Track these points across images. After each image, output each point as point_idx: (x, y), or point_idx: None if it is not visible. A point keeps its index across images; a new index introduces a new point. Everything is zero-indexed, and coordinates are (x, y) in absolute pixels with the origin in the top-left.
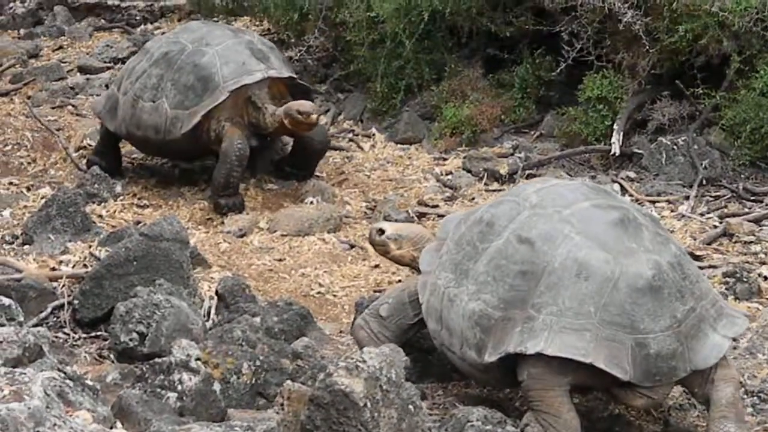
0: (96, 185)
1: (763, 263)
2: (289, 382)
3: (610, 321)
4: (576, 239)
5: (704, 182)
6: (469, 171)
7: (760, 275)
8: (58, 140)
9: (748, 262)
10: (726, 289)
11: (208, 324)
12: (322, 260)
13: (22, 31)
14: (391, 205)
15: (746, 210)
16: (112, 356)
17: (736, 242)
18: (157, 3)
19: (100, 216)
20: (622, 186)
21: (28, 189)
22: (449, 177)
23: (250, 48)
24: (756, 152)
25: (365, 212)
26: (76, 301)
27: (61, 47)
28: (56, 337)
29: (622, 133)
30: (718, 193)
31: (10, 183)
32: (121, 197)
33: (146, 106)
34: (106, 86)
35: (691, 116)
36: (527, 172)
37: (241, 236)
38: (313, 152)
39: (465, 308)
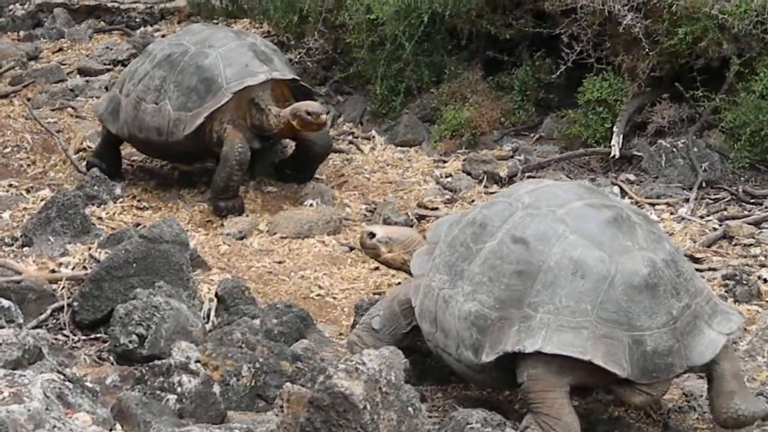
0: (96, 187)
1: (763, 266)
2: (288, 384)
3: (607, 318)
4: (571, 238)
5: (704, 185)
6: (468, 173)
7: (759, 278)
8: (58, 142)
9: (747, 265)
10: (726, 291)
11: (208, 326)
12: (321, 263)
13: (21, 33)
14: (391, 208)
15: (746, 213)
16: (111, 358)
17: (735, 245)
18: (157, 5)
19: (100, 218)
20: (621, 188)
21: (28, 191)
22: (449, 179)
23: (253, 50)
24: (756, 155)
25: (365, 215)
26: (75, 303)
27: (60, 49)
28: (56, 339)
29: (621, 136)
30: (717, 196)
31: (10, 185)
32: (121, 199)
33: (149, 108)
34: (106, 88)
35: (690, 119)
36: (527, 174)
37: (241, 238)
38: (315, 155)
39: (461, 309)
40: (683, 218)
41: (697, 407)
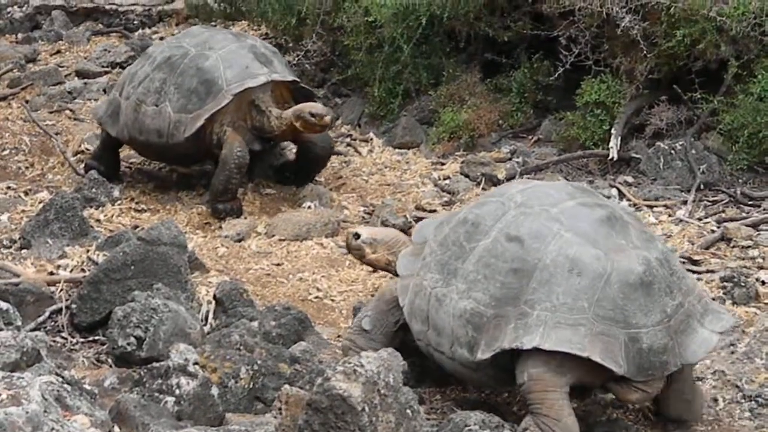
0: (94, 190)
1: (761, 268)
2: (286, 386)
3: (603, 316)
4: (566, 236)
5: (702, 187)
6: (466, 176)
7: (757, 280)
8: (56, 144)
9: (745, 267)
10: (724, 293)
11: (206, 328)
12: (320, 265)
13: (19, 36)
14: (389, 210)
15: (744, 214)
16: (109, 360)
17: (733, 247)
18: (155, 7)
19: (98, 220)
20: (619, 191)
21: (26, 193)
22: (447, 182)
23: (254, 52)
24: (753, 157)
25: (363, 217)
26: (73, 306)
27: (58, 51)
28: (54, 341)
29: (619, 138)
30: (715, 198)
31: (8, 187)
32: (119, 202)
33: (149, 111)
34: (104, 90)
35: (688, 121)
36: (525, 176)
37: (239, 241)
38: (317, 156)
39: (455, 307)
40: (681, 220)
41: None
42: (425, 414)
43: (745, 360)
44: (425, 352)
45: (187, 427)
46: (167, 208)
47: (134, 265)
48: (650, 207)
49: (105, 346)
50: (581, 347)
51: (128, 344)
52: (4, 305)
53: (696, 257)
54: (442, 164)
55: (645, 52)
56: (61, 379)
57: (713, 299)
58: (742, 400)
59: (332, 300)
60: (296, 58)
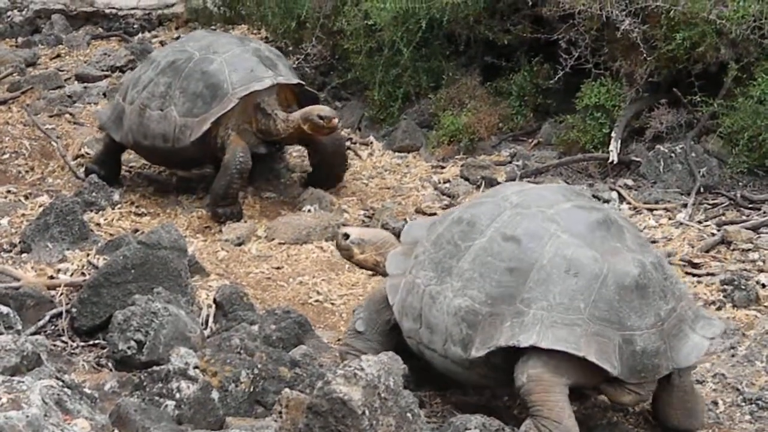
0: (94, 193)
1: (761, 271)
2: (287, 389)
3: (599, 317)
4: (563, 237)
5: (702, 190)
6: (466, 179)
7: (758, 283)
8: (56, 148)
9: (746, 270)
10: (724, 296)
11: (206, 332)
12: (320, 268)
13: (19, 40)
14: (389, 214)
15: (744, 218)
16: (110, 364)
17: (734, 250)
18: (155, 11)
19: (98, 224)
20: (620, 194)
21: (26, 197)
22: (447, 185)
23: (258, 55)
24: (754, 160)
25: (363, 220)
26: (74, 310)
27: (58, 55)
28: (54, 345)
29: (619, 141)
30: (715, 201)
31: (8, 191)
32: (119, 205)
33: (154, 115)
34: (104, 95)
35: (688, 124)
36: (525, 180)
37: (239, 244)
38: (328, 155)
39: (450, 305)
40: (681, 223)
41: None
42: (425, 417)
43: (746, 363)
44: (415, 350)
45: (188, 431)
46: (167, 212)
47: (134, 268)
48: (650, 210)
49: (105, 350)
50: (577, 347)
51: (128, 348)
52: (4, 309)
53: (696, 260)
54: (442, 167)
55: (645, 55)
56: (61, 383)
57: (713, 302)
58: (743, 404)
59: (332, 303)
60: (296, 62)
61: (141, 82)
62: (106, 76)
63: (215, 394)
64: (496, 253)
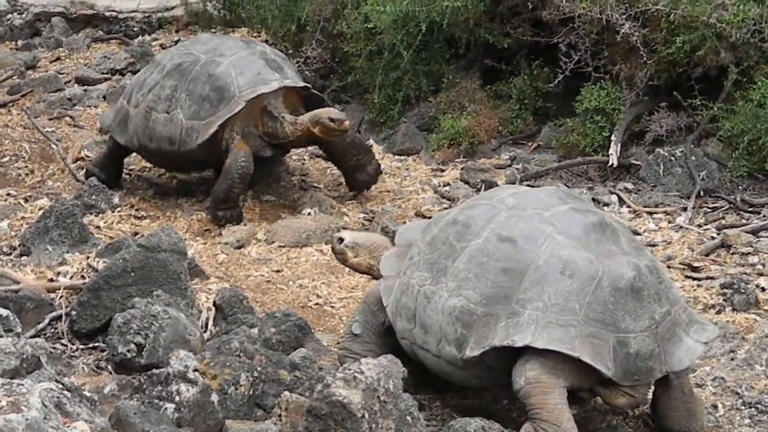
0: (94, 196)
1: (761, 274)
2: (286, 393)
3: (594, 318)
4: (559, 239)
5: (702, 193)
6: (466, 182)
7: (757, 286)
8: (56, 151)
9: (745, 274)
10: (724, 300)
11: (206, 335)
12: (319, 271)
13: (19, 43)
14: (389, 217)
15: (744, 221)
16: (109, 367)
17: (733, 253)
18: (155, 14)
19: (98, 227)
20: (619, 197)
21: (26, 200)
22: (447, 188)
23: (264, 58)
24: (753, 163)
25: (363, 223)
26: (73, 312)
27: (58, 58)
28: (54, 348)
29: (619, 145)
30: (715, 205)
31: (8, 194)
32: (119, 208)
33: (160, 118)
34: (104, 97)
35: (688, 127)
36: (525, 183)
37: (239, 247)
38: (339, 152)
39: (444, 305)
40: (681, 227)
41: None
42: (425, 420)
43: (745, 367)
44: (408, 350)
45: None
46: (167, 215)
47: (134, 271)
48: (650, 213)
49: (105, 353)
50: (571, 347)
51: (128, 351)
52: (3, 312)
53: (696, 264)
54: (442, 171)
55: (645, 58)
56: (60, 386)
57: (713, 306)
58: (742, 407)
59: (332, 306)
60: (296, 65)
61: (146, 84)
62: (106, 79)
63: (215, 397)
64: (492, 253)
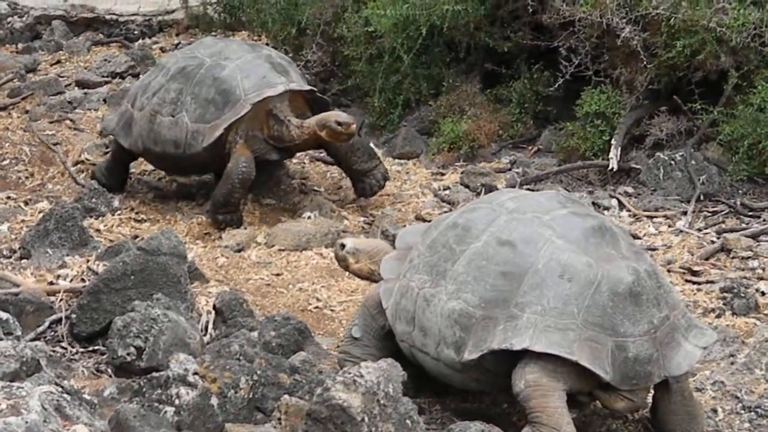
0: (94, 200)
1: (761, 279)
2: (286, 396)
3: (592, 322)
4: (558, 242)
5: (702, 197)
6: (466, 186)
7: (757, 290)
8: (57, 155)
9: (745, 278)
10: (723, 304)
11: (206, 338)
12: (319, 275)
13: (20, 46)
14: (389, 220)
15: (744, 225)
16: (109, 370)
17: (733, 258)
18: (155, 17)
19: (98, 230)
20: (619, 201)
21: (26, 203)
22: (447, 192)
23: (270, 62)
24: (754, 167)
25: (363, 227)
26: (73, 316)
27: (59, 61)
28: (54, 351)
29: (619, 149)
30: (715, 209)
31: (8, 197)
32: (119, 212)
33: (165, 121)
34: (104, 101)
35: (688, 131)
36: (525, 187)
37: (239, 251)
38: (342, 155)
39: (443, 307)
40: (681, 231)
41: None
42: (425, 424)
43: (745, 371)
44: (407, 353)
45: None
46: (167, 218)
47: (134, 275)
48: (650, 217)
49: (105, 356)
50: (570, 351)
51: (128, 354)
52: (3, 315)
53: (696, 268)
54: (442, 174)
55: (645, 62)
56: (60, 389)
57: (713, 310)
58: (742, 411)
59: (332, 310)
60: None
61: (151, 88)
62: (106, 82)
63: (214, 401)
64: (491, 257)
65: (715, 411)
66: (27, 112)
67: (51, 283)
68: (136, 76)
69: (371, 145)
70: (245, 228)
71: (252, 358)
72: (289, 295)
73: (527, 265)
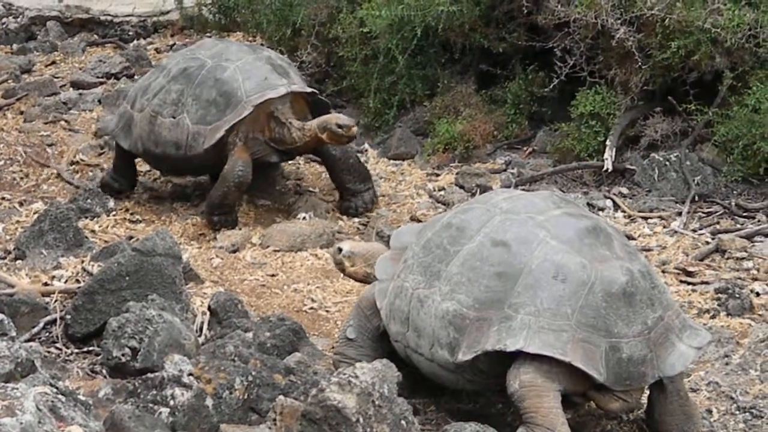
0: (89, 200)
1: (756, 279)
2: (281, 397)
3: (586, 323)
4: (552, 243)
5: (697, 198)
6: (461, 187)
7: (752, 291)
8: (50, 157)
9: (740, 278)
10: (718, 305)
11: (201, 339)
12: (314, 276)
13: (14, 47)
14: (384, 221)
15: (738, 226)
16: (104, 371)
17: (728, 258)
18: (150, 18)
19: (93, 231)
20: (614, 202)
21: (21, 204)
22: (442, 193)
23: (271, 63)
24: (748, 168)
25: (358, 228)
26: (68, 316)
27: (53, 62)
28: (48, 352)
29: (614, 149)
30: (710, 209)
31: (3, 198)
32: (114, 212)
33: (166, 122)
34: (99, 101)
35: (683, 132)
36: (520, 188)
37: (234, 251)
38: (337, 162)
39: (438, 308)
40: (676, 231)
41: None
42: (420, 425)
43: (740, 371)
44: (402, 353)
45: None
46: (162, 219)
47: (129, 275)
48: (645, 218)
49: (99, 357)
50: (563, 352)
51: (123, 355)
52: None
53: (691, 269)
54: (437, 175)
55: (640, 63)
56: (55, 390)
57: (708, 311)
58: (737, 412)
59: (327, 311)
60: None
61: (151, 89)
62: (101, 83)
63: (209, 401)
64: (485, 257)
65: (710, 412)
66: (22, 112)
67: (46, 284)
68: (130, 76)
69: (366, 145)
70: (240, 229)
71: (247, 359)
72: (284, 296)
73: (521, 266)
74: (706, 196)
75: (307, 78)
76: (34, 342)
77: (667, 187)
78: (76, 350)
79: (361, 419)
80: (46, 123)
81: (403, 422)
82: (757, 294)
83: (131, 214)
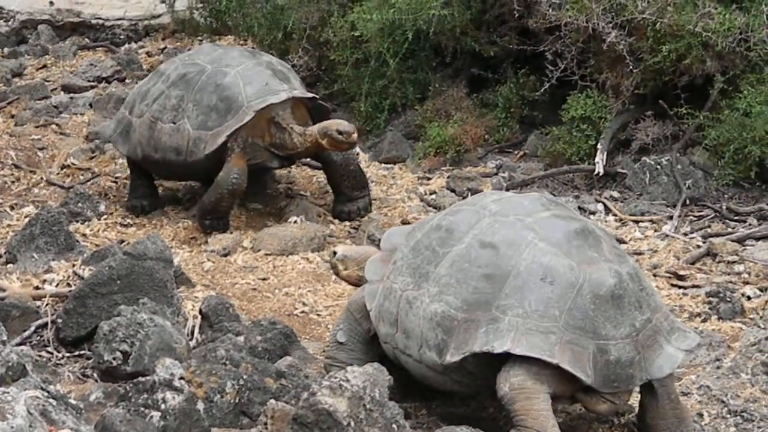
0: (80, 204)
1: (747, 283)
2: (272, 401)
3: (574, 325)
4: (540, 245)
5: (688, 202)
6: (452, 190)
7: (743, 295)
8: (41, 161)
9: (731, 282)
10: (709, 308)
11: (192, 343)
12: (305, 279)
13: (5, 50)
14: (375, 225)
15: (729, 230)
16: (95, 375)
17: (719, 262)
18: (141, 22)
19: (84, 235)
20: (605, 205)
21: (12, 208)
22: (433, 196)
23: (271, 69)
24: (739, 172)
25: (349, 232)
26: (59, 320)
27: (45, 66)
28: (39, 356)
29: (605, 153)
30: (701, 213)
31: None
32: (105, 216)
33: (165, 128)
34: (90, 105)
35: (674, 136)
36: (511, 191)
37: (225, 255)
38: (336, 167)
39: (426, 310)
40: (667, 235)
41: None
42: (411, 429)
43: (731, 375)
44: (391, 355)
45: None
46: (153, 223)
47: (120, 279)
48: (636, 222)
49: (90, 361)
50: (551, 354)
51: (114, 359)
52: None
53: (682, 272)
54: (428, 179)
55: (631, 67)
56: (46, 394)
57: (699, 314)
58: (728, 415)
59: (318, 315)
60: None
61: (150, 95)
62: (92, 87)
63: (200, 405)
64: (474, 259)
65: (701, 415)
66: (13, 116)
67: (37, 288)
68: (122, 80)
69: (357, 149)
70: (231, 232)
71: (238, 363)
72: (276, 300)
73: (509, 268)
74: (697, 200)
75: None
76: (25, 346)
77: (658, 190)
78: (68, 354)
79: (352, 423)
80: (37, 127)
81: (394, 426)
82: (748, 298)
83: (122, 217)
